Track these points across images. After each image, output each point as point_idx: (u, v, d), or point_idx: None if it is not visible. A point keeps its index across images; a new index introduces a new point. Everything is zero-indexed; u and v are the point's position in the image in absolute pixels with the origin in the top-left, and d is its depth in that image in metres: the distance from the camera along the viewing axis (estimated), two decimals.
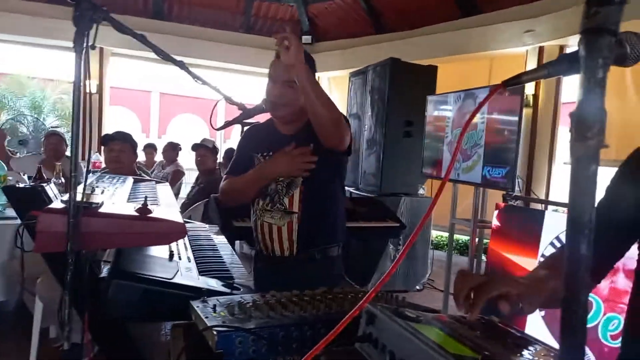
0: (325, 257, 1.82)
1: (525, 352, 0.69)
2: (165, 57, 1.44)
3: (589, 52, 0.33)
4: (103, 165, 3.79)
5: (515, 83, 0.74)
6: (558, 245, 2.79)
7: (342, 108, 6.10)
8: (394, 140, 4.77)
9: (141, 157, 6.21)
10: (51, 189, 1.48)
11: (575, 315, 0.35)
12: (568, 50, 5.44)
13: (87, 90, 1.24)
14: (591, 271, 0.96)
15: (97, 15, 1.12)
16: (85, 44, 1.14)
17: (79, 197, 1.19)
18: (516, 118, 3.23)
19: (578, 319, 0.35)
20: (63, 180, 3.39)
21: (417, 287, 4.90)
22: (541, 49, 5.76)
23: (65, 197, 1.25)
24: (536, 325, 2.69)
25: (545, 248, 2.86)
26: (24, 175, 4.69)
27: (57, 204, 1.25)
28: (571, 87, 5.82)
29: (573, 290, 0.35)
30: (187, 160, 6.50)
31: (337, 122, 1.64)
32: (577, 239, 0.34)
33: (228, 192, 1.90)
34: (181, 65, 1.50)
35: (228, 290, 1.36)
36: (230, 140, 10.23)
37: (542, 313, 2.73)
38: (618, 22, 0.33)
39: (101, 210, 1.25)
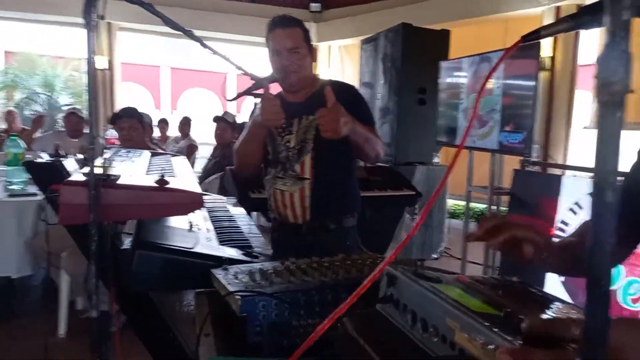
0: (340, 228, 1.83)
1: (547, 310, 0.70)
2: (174, 27, 1.43)
3: None
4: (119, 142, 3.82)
5: (534, 38, 0.72)
6: (577, 210, 2.76)
7: (355, 77, 6.03)
8: (408, 108, 4.70)
9: (155, 132, 6.25)
10: (70, 164, 1.51)
11: (601, 264, 0.35)
12: None
13: (98, 67, 1.24)
14: (628, 236, 0.95)
15: None
16: (93, 15, 1.13)
17: (97, 170, 1.20)
18: (533, 82, 3.16)
19: (604, 268, 0.35)
20: (82, 156, 3.45)
21: (434, 256, 4.92)
22: (558, 9, 5.58)
23: (85, 170, 1.27)
24: (556, 290, 2.69)
25: (564, 214, 2.84)
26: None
27: (77, 177, 1.27)
28: (589, 49, 5.65)
29: (599, 239, 0.35)
30: (199, 134, 6.54)
31: (378, 156, 1.79)
32: (603, 187, 0.34)
33: (236, 156, 1.94)
34: (190, 34, 1.49)
35: (248, 259, 1.39)
36: (240, 114, 10.23)
37: (562, 279, 2.73)
38: None
39: (120, 182, 1.27)
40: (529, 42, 0.75)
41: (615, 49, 0.34)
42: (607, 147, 0.35)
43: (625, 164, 1.00)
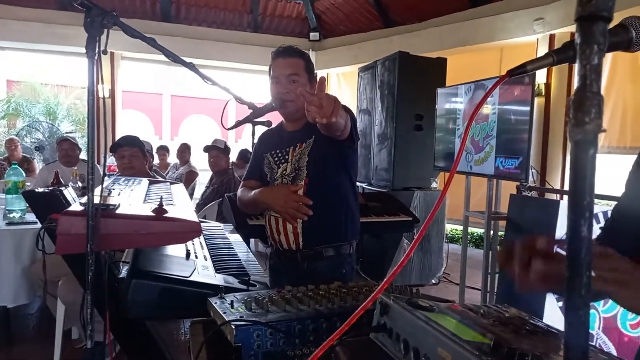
0: (336, 255, 1.82)
1: (537, 339, 0.70)
2: (175, 60, 1.46)
3: (584, 39, 0.34)
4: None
5: (520, 72, 0.74)
6: None
7: (352, 103, 6.10)
8: (405, 134, 4.76)
9: (154, 159, 6.28)
10: (69, 193, 1.52)
11: (579, 296, 0.36)
12: None
13: (100, 95, 1.27)
14: None
15: (107, 20, 1.15)
16: (97, 50, 1.16)
17: (96, 200, 1.22)
18: (528, 108, 3.20)
19: (581, 299, 0.36)
20: (80, 184, 3.45)
21: (433, 281, 4.89)
22: (552, 37, 5.69)
23: (84, 199, 1.28)
24: (554, 315, 2.68)
25: (561, 238, 2.84)
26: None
27: (75, 207, 1.28)
28: None
29: (576, 272, 0.36)
30: (199, 161, 6.57)
31: (345, 127, 1.65)
32: (578, 222, 0.35)
33: (240, 202, 1.98)
34: (191, 66, 1.53)
35: (244, 287, 1.39)
36: (241, 140, 10.29)
37: (560, 303, 2.71)
38: (612, 8, 0.34)
39: (118, 211, 1.28)
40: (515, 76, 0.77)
41: (587, 91, 0.36)
42: (581, 184, 0.36)
43: (617, 189, 1.01)
